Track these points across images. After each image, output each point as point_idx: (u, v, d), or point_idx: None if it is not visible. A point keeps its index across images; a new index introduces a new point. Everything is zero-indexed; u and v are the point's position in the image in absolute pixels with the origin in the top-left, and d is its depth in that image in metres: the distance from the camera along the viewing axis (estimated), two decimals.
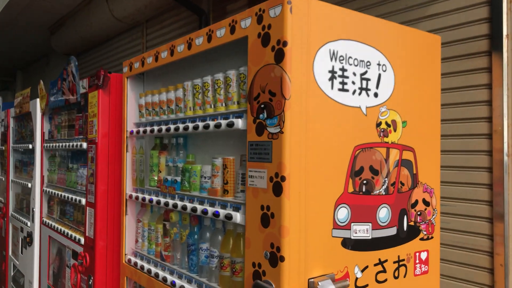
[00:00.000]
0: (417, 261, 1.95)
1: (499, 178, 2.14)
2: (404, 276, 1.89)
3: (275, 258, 1.52)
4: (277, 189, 1.52)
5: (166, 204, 2.19)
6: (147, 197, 2.38)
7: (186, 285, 2.04)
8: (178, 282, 2.09)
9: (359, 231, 1.72)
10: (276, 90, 1.52)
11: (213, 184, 1.94)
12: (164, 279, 2.19)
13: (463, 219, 2.31)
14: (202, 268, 2.01)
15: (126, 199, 2.60)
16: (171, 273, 2.19)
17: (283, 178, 1.51)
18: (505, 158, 2.12)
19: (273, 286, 1.52)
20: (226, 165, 1.87)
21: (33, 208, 3.98)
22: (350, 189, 1.70)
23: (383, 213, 1.81)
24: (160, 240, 2.34)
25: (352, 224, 1.70)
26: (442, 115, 2.16)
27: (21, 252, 4.33)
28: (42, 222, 3.78)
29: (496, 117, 2.14)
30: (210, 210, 1.88)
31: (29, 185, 4.09)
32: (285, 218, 1.51)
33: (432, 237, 2.01)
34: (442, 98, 2.15)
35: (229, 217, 1.77)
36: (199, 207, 1.95)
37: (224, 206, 1.84)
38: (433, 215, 2.01)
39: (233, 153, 1.94)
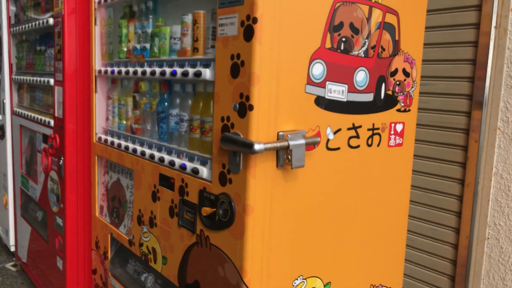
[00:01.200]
0: (392, 132, 1.91)
1: (484, 51, 2.05)
2: (378, 145, 1.85)
3: (244, 108, 1.45)
4: (248, 34, 1.41)
5: (135, 72, 2.07)
6: (116, 69, 2.26)
7: (156, 153, 1.98)
8: (148, 151, 2.03)
9: (334, 91, 1.65)
10: None
11: (182, 44, 1.82)
12: (134, 151, 2.13)
13: (443, 97, 2.25)
14: (172, 135, 1.94)
15: (95, 76, 2.48)
16: (141, 144, 2.13)
17: (255, 20, 1.39)
18: (493, 30, 2.02)
19: (241, 136, 1.46)
20: (196, 20, 1.73)
21: (3, 100, 3.84)
22: (328, 45, 1.60)
23: (361, 77, 1.73)
24: (130, 113, 2.25)
25: (327, 82, 1.62)
26: None
27: None
28: (13, 113, 3.66)
29: None
30: (179, 70, 1.78)
31: None
32: (255, 65, 1.41)
33: (409, 110, 1.96)
34: None
35: (198, 74, 1.67)
36: (168, 70, 1.84)
37: (193, 65, 1.73)
38: (412, 87, 1.94)
39: (204, 9, 1.80)
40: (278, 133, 1.51)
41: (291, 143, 1.48)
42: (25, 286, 3.56)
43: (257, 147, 1.39)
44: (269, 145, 1.43)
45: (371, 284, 1.95)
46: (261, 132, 1.46)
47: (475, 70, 2.10)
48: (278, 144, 1.46)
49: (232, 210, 1.53)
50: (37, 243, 3.28)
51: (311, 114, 1.59)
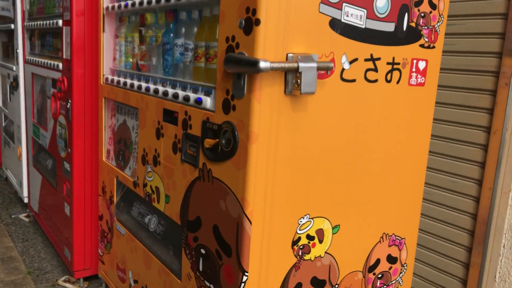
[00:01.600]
0: (414, 70, 1.75)
1: None
2: (397, 82, 1.71)
3: (250, 24, 1.32)
4: None
5: (141, 3, 1.96)
6: (122, 3, 2.15)
7: (160, 88, 1.88)
8: (152, 87, 1.94)
9: (352, 15, 1.50)
10: None
11: None
12: (139, 87, 2.04)
13: (472, 38, 2.06)
14: (176, 67, 1.83)
15: (103, 14, 2.37)
16: (147, 81, 2.04)
17: None
18: None
19: (245, 55, 1.34)
20: None
21: (16, 50, 3.79)
22: None
23: (382, 3, 1.57)
24: (137, 49, 2.15)
25: (344, 4, 1.47)
26: None
27: (10, 99, 4.23)
28: (25, 61, 3.61)
29: None
30: None
31: (12, 26, 3.87)
32: None
33: (434, 47, 1.80)
34: None
35: None
36: None
37: None
38: (438, 21, 1.78)
39: None
40: (287, 54, 1.38)
41: (301, 65, 1.35)
42: (36, 235, 3.57)
43: (262, 64, 1.27)
44: (276, 65, 1.31)
45: (384, 233, 1.84)
46: (268, 51, 1.34)
47: (510, 6, 1.91)
48: (287, 65, 1.33)
49: (235, 139, 1.42)
50: (47, 191, 3.26)
51: (325, 37, 1.46)
